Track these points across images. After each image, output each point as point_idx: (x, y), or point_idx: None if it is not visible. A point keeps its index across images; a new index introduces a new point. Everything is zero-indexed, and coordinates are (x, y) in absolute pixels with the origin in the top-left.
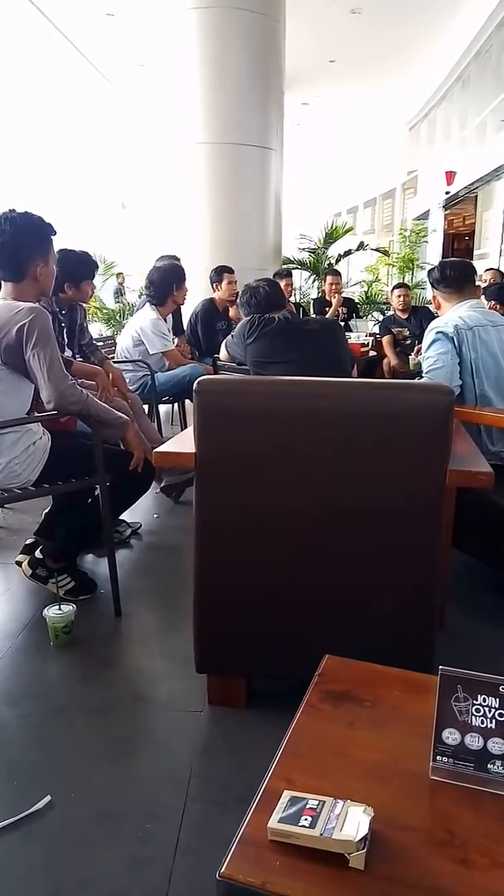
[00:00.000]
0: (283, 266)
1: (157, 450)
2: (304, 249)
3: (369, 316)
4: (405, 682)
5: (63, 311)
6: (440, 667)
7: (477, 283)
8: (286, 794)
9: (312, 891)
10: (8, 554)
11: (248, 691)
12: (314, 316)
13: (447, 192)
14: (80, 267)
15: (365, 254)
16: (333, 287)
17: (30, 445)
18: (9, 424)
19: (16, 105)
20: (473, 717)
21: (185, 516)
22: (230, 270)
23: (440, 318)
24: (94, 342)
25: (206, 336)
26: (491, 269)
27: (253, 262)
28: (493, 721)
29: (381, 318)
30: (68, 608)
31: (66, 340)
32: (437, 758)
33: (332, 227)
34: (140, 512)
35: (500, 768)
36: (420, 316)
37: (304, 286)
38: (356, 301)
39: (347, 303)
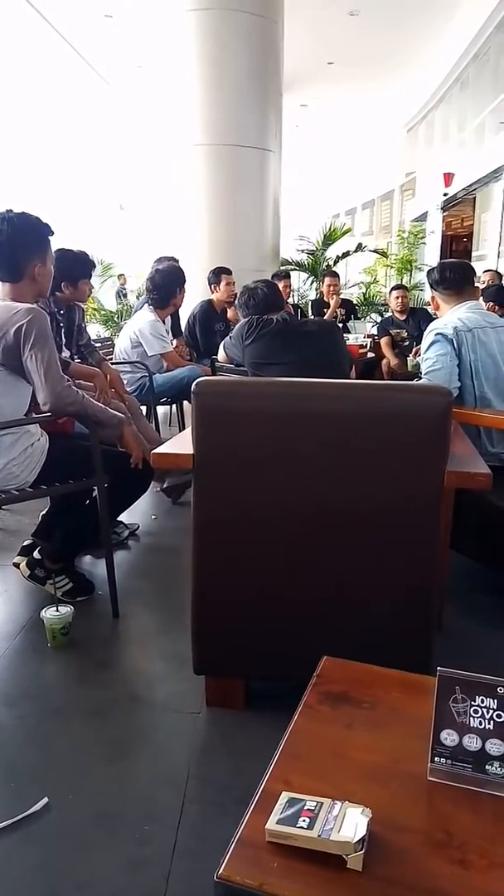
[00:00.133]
0: (282, 267)
1: (156, 451)
2: (302, 251)
3: (367, 317)
4: (403, 684)
5: (61, 312)
6: (438, 668)
7: (476, 284)
8: (284, 796)
9: (310, 892)
10: (5, 555)
11: (246, 692)
12: (312, 317)
13: (445, 194)
14: (77, 266)
15: (363, 255)
16: (332, 288)
17: (28, 447)
18: (6, 426)
19: (14, 106)
20: (471, 719)
21: (184, 517)
22: (228, 272)
23: (439, 320)
24: (92, 343)
25: (205, 337)
26: (489, 270)
27: (251, 264)
28: (491, 722)
29: (379, 319)
30: (66, 609)
31: (63, 341)
32: (435, 759)
33: (330, 228)
34: (138, 513)
35: (498, 769)
36: (418, 317)
37: (302, 287)
38: (354, 302)
39: (346, 304)
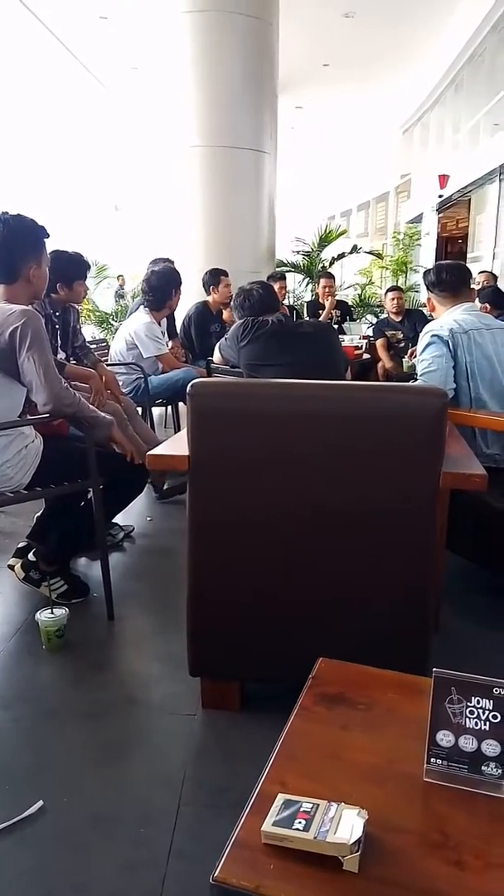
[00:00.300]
0: (277, 269)
1: (151, 452)
2: (297, 252)
3: (363, 319)
4: (399, 685)
5: (56, 313)
6: (434, 669)
7: (471, 285)
8: (280, 798)
9: (306, 894)
10: (0, 557)
11: (242, 694)
12: (308, 319)
13: (440, 196)
14: (71, 267)
15: (358, 257)
16: (327, 290)
17: (22, 449)
18: (0, 427)
19: (9, 108)
20: (467, 719)
21: (179, 519)
22: (225, 273)
23: (435, 322)
24: (87, 344)
25: (200, 339)
26: (484, 271)
27: (246, 265)
28: (487, 723)
29: (374, 320)
30: (61, 612)
31: (59, 342)
32: (431, 760)
33: (325, 230)
34: (133, 515)
35: (494, 770)
36: (413, 319)
37: (297, 289)
38: (350, 304)
39: (341, 306)
